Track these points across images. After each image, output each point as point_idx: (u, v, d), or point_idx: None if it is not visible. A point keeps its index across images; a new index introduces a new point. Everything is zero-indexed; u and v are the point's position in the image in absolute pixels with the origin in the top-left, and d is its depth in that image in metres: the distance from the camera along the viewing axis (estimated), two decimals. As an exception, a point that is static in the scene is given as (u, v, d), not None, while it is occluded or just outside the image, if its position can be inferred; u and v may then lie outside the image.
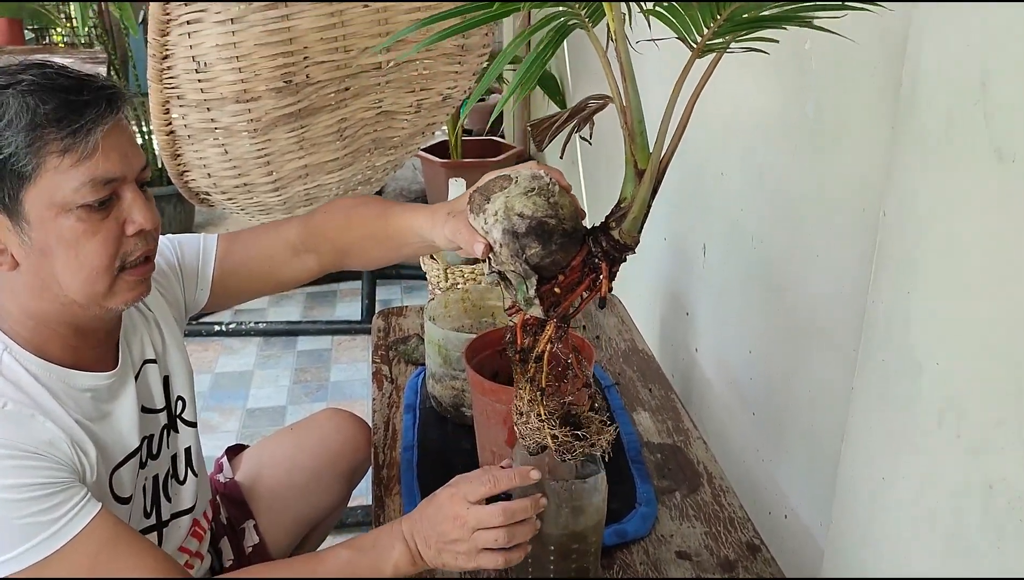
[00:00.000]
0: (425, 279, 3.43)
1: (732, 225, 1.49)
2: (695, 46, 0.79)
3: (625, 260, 0.90)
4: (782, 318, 1.32)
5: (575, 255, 0.88)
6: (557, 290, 0.89)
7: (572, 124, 0.95)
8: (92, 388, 0.98)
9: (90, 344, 0.99)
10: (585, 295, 0.91)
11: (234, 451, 1.46)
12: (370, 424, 1.50)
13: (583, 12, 0.75)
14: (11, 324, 0.94)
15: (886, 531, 0.94)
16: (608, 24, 0.80)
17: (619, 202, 0.89)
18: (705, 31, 0.76)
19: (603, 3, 0.78)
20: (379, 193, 2.83)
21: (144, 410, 1.07)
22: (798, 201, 1.24)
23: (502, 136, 4.35)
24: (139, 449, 1.05)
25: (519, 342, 0.93)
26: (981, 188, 0.74)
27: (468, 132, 4.31)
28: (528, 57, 0.80)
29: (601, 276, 0.89)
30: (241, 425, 2.43)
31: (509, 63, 0.90)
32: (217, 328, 2.90)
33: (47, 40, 4.82)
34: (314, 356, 2.82)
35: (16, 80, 0.87)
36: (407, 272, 3.38)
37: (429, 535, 0.94)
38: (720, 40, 0.76)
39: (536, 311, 0.88)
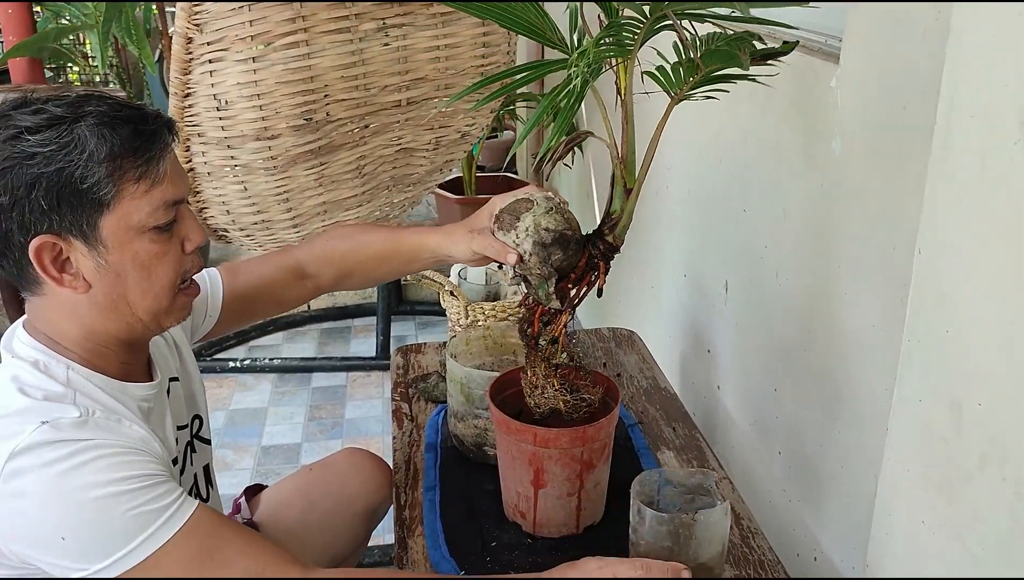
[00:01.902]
0: (440, 315, 3.41)
1: (755, 262, 1.48)
2: (674, 95, 1.02)
3: (613, 258, 1.11)
4: (809, 356, 1.30)
5: (582, 257, 1.09)
6: (568, 286, 1.10)
7: (561, 155, 1.15)
8: (144, 398, 1.03)
9: (135, 359, 1.05)
10: (585, 289, 1.12)
11: (252, 491, 1.44)
12: (390, 463, 1.48)
13: (587, 72, 0.99)
14: (68, 345, 0.98)
15: (927, 576, 0.91)
16: (619, 82, 1.03)
17: (609, 213, 1.09)
18: (684, 86, 1.00)
19: (619, 65, 1.02)
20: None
21: (177, 427, 1.11)
22: (824, 238, 1.23)
23: (515, 172, 4.37)
24: (177, 459, 1.09)
25: (535, 330, 1.12)
26: (1021, 226, 0.73)
27: (481, 168, 4.32)
28: (562, 112, 0.99)
29: (598, 272, 1.10)
30: (256, 463, 2.41)
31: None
32: (232, 364, 2.89)
33: (64, 79, 4.88)
34: (329, 393, 2.81)
35: (81, 112, 0.91)
36: (422, 308, 3.38)
37: None
38: (692, 92, 1.01)
39: (555, 304, 1.08)
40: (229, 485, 2.21)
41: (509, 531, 1.22)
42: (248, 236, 2.06)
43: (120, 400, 0.98)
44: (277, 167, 1.86)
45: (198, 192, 1.93)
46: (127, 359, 1.03)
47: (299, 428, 2.59)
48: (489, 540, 1.20)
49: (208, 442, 1.23)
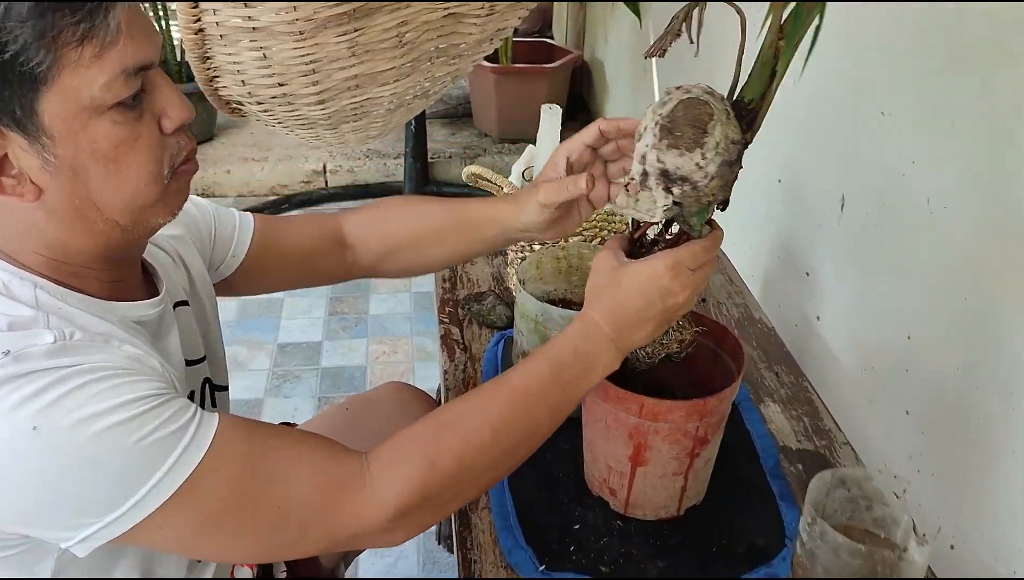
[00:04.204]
0: (471, 197, 3.14)
1: (894, 179, 1.21)
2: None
3: None
4: (973, 306, 1.05)
5: None
6: None
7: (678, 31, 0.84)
8: (142, 320, 0.81)
9: (126, 274, 0.83)
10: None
11: (278, 430, 1.22)
12: (441, 401, 1.26)
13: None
14: (33, 265, 0.76)
15: None
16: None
17: (745, 103, 0.81)
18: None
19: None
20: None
21: (186, 361, 0.90)
22: (1019, 159, 0.95)
23: (551, 37, 3.99)
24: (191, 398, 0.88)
25: None
26: None
27: (516, 31, 3.95)
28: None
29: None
30: (273, 362, 2.20)
31: None
32: (244, 247, 2.65)
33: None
34: (350, 285, 2.57)
35: None
36: (450, 190, 3.10)
37: (647, 317, 0.82)
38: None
39: (708, 232, 0.84)
40: (243, 388, 2.02)
41: (594, 509, 1.01)
42: (265, 110, 1.76)
43: (107, 320, 0.76)
44: (303, 32, 1.55)
45: (208, 57, 1.61)
46: (115, 277, 0.80)
47: (319, 324, 2.36)
48: (571, 521, 0.99)
49: (224, 389, 1.01)
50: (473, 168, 1.34)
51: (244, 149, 3.23)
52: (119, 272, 0.82)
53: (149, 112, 0.74)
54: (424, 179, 3.07)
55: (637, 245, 0.88)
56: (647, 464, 0.94)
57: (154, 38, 0.74)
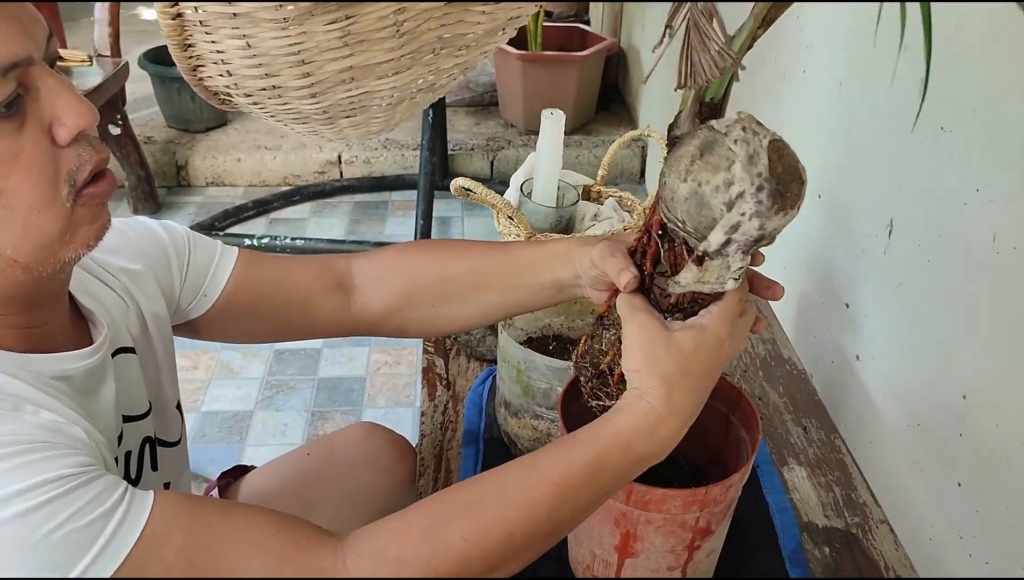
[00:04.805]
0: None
1: (954, 208, 1.03)
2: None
3: None
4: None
5: None
6: None
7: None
8: (65, 374, 0.68)
9: (43, 321, 0.69)
10: None
11: (232, 475, 1.08)
12: (415, 446, 1.11)
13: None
14: None
15: None
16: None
17: (707, 103, 0.69)
18: None
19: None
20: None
21: (123, 417, 0.76)
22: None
23: (587, 23, 3.79)
24: (119, 460, 0.75)
25: None
26: None
27: (548, 15, 3.76)
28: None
29: None
30: (267, 371, 2.06)
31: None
32: (247, 242, 2.51)
33: None
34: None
35: None
36: (470, 184, 2.95)
37: (706, 397, 0.68)
38: None
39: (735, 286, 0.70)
40: (234, 398, 1.89)
41: (577, 599, 0.85)
42: (255, 103, 1.60)
43: (20, 378, 0.63)
44: (288, 19, 1.38)
45: (189, 45, 1.48)
46: (30, 323, 0.67)
47: (320, 329, 2.22)
48: (548, 612, 0.83)
49: (173, 444, 0.87)
50: (461, 180, 1.18)
51: (256, 136, 3.10)
52: (36, 317, 0.68)
53: (34, 120, 0.61)
54: (443, 173, 2.91)
55: (652, 298, 0.72)
56: (637, 556, 0.78)
57: (31, 27, 0.60)
